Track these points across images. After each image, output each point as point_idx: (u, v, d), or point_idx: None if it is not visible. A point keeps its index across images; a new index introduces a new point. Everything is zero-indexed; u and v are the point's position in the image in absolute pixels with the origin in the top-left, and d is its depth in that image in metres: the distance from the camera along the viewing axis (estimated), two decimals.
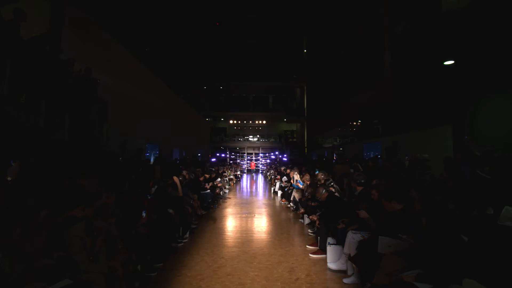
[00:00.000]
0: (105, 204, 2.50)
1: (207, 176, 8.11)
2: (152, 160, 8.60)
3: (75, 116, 5.23)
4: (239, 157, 27.65)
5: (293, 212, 7.12)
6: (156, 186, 4.35)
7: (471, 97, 6.65)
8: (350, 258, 3.07)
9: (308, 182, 6.33)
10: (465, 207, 2.75)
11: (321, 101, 20.41)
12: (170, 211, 4.24)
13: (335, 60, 17.20)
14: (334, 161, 12.66)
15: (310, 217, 4.72)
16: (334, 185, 5.02)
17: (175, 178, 5.04)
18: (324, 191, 4.47)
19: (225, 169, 13.69)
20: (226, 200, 9.25)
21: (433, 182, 4.38)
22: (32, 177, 2.66)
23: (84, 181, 2.93)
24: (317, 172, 7.63)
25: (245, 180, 19.48)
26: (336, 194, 4.66)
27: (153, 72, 12.52)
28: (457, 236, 2.05)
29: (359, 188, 4.09)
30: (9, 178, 2.23)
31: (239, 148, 27.76)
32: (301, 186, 6.97)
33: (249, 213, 7.01)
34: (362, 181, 4.10)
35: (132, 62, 10.39)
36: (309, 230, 5.18)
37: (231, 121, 27.74)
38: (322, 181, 5.19)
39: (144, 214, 3.42)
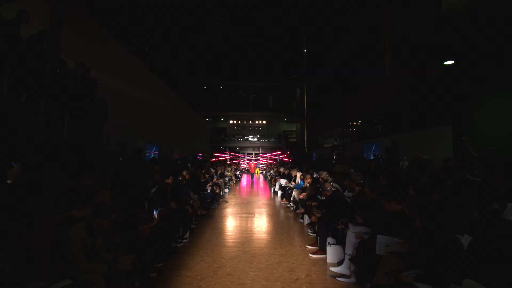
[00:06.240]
0: (104, 203, 2.49)
1: (207, 176, 8.10)
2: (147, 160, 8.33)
3: (75, 116, 5.22)
4: (239, 157, 27.60)
5: (293, 212, 7.12)
6: (156, 187, 4.35)
7: (471, 97, 6.65)
8: (350, 258, 3.07)
9: (309, 181, 6.33)
10: (465, 207, 2.74)
11: (321, 101, 20.40)
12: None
13: (335, 60, 17.20)
14: (334, 161, 12.65)
15: (314, 213, 4.66)
16: (335, 185, 5.00)
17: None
18: (330, 187, 4.43)
19: (225, 169, 13.68)
20: (226, 200, 9.25)
21: (431, 182, 4.35)
22: (32, 177, 2.65)
23: (87, 180, 2.93)
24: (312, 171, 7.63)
25: (245, 180, 19.47)
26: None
27: (153, 72, 12.51)
28: (452, 236, 2.04)
29: (358, 188, 4.09)
30: (9, 181, 2.17)
31: (239, 148, 27.73)
32: (302, 186, 6.97)
33: (249, 213, 7.01)
34: (361, 181, 4.10)
35: (132, 62, 10.37)
36: (309, 230, 5.18)
37: (231, 121, 27.71)
38: (326, 179, 5.18)
39: (155, 214, 3.40)
